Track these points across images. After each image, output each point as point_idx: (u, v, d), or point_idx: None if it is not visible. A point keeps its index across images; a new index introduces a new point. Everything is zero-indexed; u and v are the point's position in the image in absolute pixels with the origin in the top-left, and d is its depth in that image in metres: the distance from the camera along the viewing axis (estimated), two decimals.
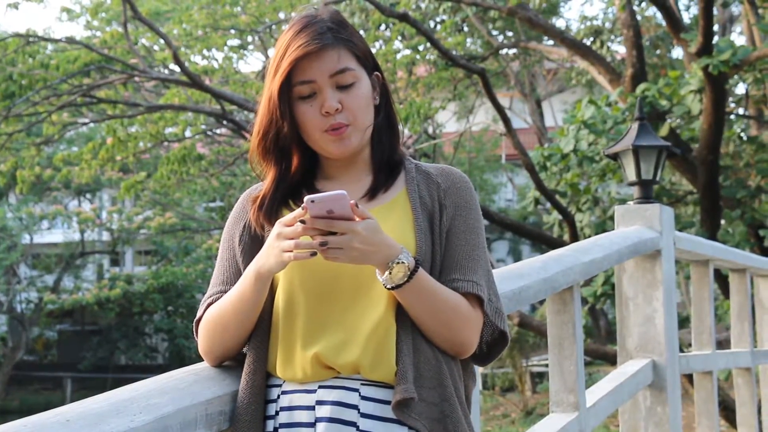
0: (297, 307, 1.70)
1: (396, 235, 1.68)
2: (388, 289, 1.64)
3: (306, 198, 1.55)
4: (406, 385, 1.63)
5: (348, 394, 1.66)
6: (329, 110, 1.70)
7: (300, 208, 1.58)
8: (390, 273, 1.61)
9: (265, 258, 1.64)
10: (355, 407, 1.65)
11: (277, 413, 1.70)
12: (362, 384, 1.67)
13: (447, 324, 1.68)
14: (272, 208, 1.77)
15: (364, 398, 1.66)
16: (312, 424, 1.66)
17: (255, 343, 1.72)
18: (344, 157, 1.77)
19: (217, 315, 1.73)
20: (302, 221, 1.57)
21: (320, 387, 1.67)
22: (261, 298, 1.69)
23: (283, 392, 1.70)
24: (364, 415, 1.65)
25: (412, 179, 1.80)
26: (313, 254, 1.57)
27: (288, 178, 1.79)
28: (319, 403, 1.66)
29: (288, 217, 1.61)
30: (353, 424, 1.64)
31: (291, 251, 1.58)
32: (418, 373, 1.66)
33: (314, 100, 1.72)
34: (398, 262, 1.61)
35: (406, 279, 1.62)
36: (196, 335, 1.79)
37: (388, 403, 1.65)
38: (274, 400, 1.71)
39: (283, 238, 1.59)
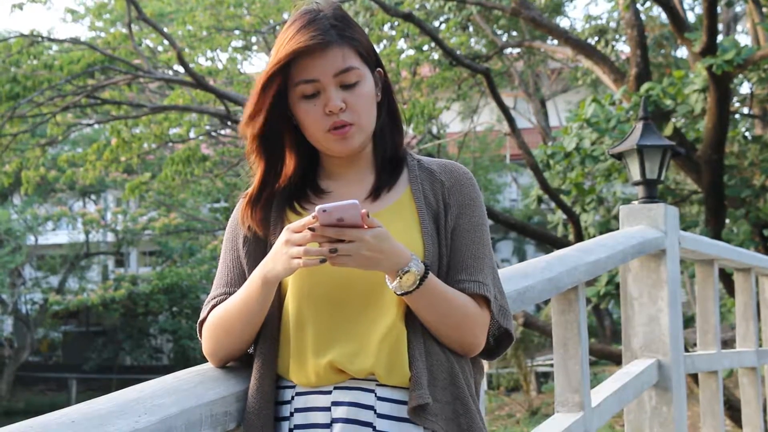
0: (307, 315, 1.69)
1: (403, 239, 1.67)
2: (398, 295, 1.64)
3: (318, 207, 1.54)
4: (421, 391, 1.63)
5: (364, 395, 1.66)
6: (333, 110, 1.68)
7: (310, 216, 1.56)
8: (400, 280, 1.61)
9: (272, 263, 1.63)
10: (371, 408, 1.65)
11: (291, 414, 1.69)
12: (378, 385, 1.66)
13: (456, 326, 1.69)
14: (257, 203, 1.76)
15: (380, 399, 1.66)
16: (328, 425, 1.65)
17: (263, 348, 1.71)
18: (347, 155, 1.76)
19: (221, 318, 1.72)
20: (311, 229, 1.56)
21: (336, 388, 1.67)
22: (267, 303, 1.69)
23: (297, 393, 1.70)
24: (380, 416, 1.65)
25: (416, 178, 1.79)
26: (322, 261, 1.57)
27: (277, 175, 1.78)
28: (335, 404, 1.66)
29: (297, 223, 1.59)
30: (370, 424, 1.64)
31: (300, 258, 1.57)
32: (432, 376, 1.66)
33: (318, 99, 1.70)
34: (408, 270, 1.60)
35: (416, 286, 1.62)
36: (200, 336, 1.78)
37: (404, 403, 1.65)
38: (288, 402, 1.70)
39: (291, 244, 1.58)
